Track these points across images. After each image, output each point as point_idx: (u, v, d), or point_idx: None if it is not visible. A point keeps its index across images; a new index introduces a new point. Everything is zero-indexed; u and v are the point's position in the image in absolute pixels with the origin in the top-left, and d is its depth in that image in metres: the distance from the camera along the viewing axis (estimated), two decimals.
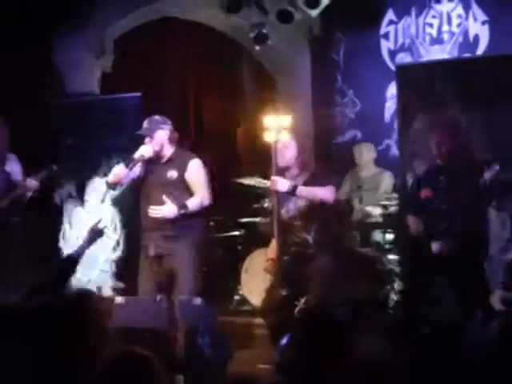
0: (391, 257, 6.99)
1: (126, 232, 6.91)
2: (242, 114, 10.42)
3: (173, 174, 5.85)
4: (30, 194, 6.46)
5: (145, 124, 5.92)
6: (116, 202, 7.04)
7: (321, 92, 9.08)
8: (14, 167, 6.61)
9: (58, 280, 4.44)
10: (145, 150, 5.84)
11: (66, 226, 7.04)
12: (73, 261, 4.64)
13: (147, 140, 5.86)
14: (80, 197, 7.29)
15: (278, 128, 9.31)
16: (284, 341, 3.31)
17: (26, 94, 7.85)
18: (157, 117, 5.95)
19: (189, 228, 5.83)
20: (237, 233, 8.51)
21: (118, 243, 6.85)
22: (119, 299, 5.31)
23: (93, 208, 6.92)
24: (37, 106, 7.85)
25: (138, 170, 5.94)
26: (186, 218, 5.80)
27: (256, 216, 8.02)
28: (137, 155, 5.84)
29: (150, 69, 9.27)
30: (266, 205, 7.93)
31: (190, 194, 5.90)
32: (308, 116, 9.13)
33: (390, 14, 8.50)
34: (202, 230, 6.00)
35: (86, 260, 5.29)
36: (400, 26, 8.45)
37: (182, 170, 5.86)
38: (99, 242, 5.31)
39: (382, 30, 8.56)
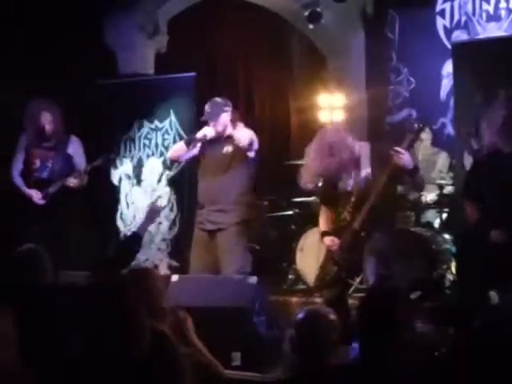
0: (447, 236, 6.93)
1: (181, 211, 6.97)
2: (294, 94, 10.39)
3: (228, 148, 5.92)
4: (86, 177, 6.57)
5: (207, 108, 5.97)
6: (172, 182, 7.11)
7: (375, 71, 9.02)
8: (76, 150, 6.72)
9: (124, 258, 4.50)
10: (207, 131, 5.91)
11: (122, 205, 7.13)
12: (137, 238, 4.69)
13: (211, 123, 5.92)
14: (136, 177, 7.38)
15: (330, 107, 9.37)
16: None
17: (79, 75, 7.93)
18: (218, 99, 6.00)
19: (240, 203, 5.90)
20: (290, 212, 8.52)
21: (174, 222, 6.92)
22: (175, 277, 5.37)
23: (149, 188, 6.99)
24: (90, 88, 7.93)
25: (197, 149, 6.01)
26: (238, 193, 5.88)
27: (309, 195, 8.02)
28: (199, 135, 5.91)
29: (202, 48, 9.29)
30: (319, 184, 7.93)
31: (248, 167, 5.99)
32: (361, 95, 9.09)
33: None
34: (254, 205, 6.05)
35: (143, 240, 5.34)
36: (456, 2, 8.32)
37: (237, 144, 5.93)
38: (157, 220, 5.37)
39: (438, 7, 8.45)
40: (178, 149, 6.09)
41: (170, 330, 3.28)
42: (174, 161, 6.25)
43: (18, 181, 6.65)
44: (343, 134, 5.56)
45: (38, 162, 6.62)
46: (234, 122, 6.02)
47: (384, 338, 2.97)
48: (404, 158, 5.19)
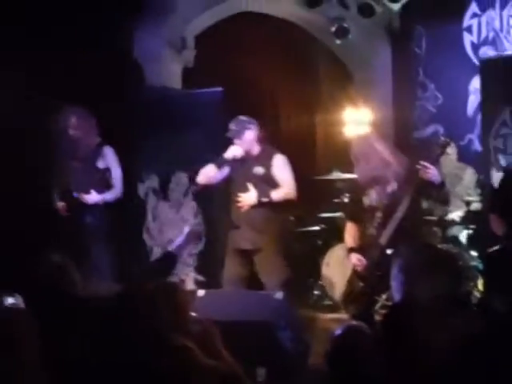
0: (473, 253, 6.89)
1: (208, 226, 6.98)
2: (320, 109, 10.39)
3: (259, 169, 6.01)
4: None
5: (232, 126, 6.05)
6: (198, 196, 7.12)
7: (401, 86, 9.01)
8: (110, 162, 6.62)
9: (157, 276, 4.50)
10: (235, 151, 5.99)
11: (149, 219, 7.15)
12: (173, 259, 4.68)
13: (236, 141, 5.96)
14: (163, 191, 7.40)
15: (356, 122, 9.35)
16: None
17: (109, 89, 7.98)
18: (243, 117, 6.08)
19: (274, 222, 5.94)
20: (317, 228, 8.51)
21: (200, 238, 6.93)
22: (201, 292, 5.37)
23: (176, 202, 7.01)
24: (118, 102, 7.98)
25: (226, 169, 6.06)
26: (271, 213, 5.92)
27: (336, 211, 8.01)
28: (227, 156, 5.98)
29: (229, 63, 9.33)
30: (345, 200, 7.92)
31: (278, 188, 6.06)
32: (387, 110, 9.08)
33: (474, 7, 8.35)
34: (286, 225, 6.12)
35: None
36: (483, 18, 8.29)
37: (268, 165, 6.05)
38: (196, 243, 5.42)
39: (465, 23, 8.41)
40: (209, 172, 6.14)
41: (196, 342, 3.29)
42: (205, 185, 6.25)
43: (53, 192, 6.66)
44: (379, 144, 5.57)
45: (68, 174, 6.62)
46: (259, 140, 6.08)
47: (408, 355, 2.96)
48: (431, 172, 5.18)
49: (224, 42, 9.15)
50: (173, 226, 7.56)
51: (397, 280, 5.29)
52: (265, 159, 6.06)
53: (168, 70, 8.70)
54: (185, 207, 7.18)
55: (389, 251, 5.40)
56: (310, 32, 9.60)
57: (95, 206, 6.48)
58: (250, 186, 5.97)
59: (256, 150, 6.09)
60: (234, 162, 6.05)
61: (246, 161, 6.07)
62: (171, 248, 4.85)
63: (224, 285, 6.05)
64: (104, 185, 6.52)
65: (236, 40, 9.39)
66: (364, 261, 5.46)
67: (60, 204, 6.55)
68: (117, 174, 6.61)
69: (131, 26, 8.41)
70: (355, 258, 5.51)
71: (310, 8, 8.16)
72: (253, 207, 6.03)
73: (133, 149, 7.89)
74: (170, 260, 4.69)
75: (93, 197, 6.40)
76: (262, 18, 9.36)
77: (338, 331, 3.21)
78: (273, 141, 9.74)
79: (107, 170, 6.58)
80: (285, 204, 6.11)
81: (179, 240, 4.85)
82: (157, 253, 7.57)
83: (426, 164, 5.22)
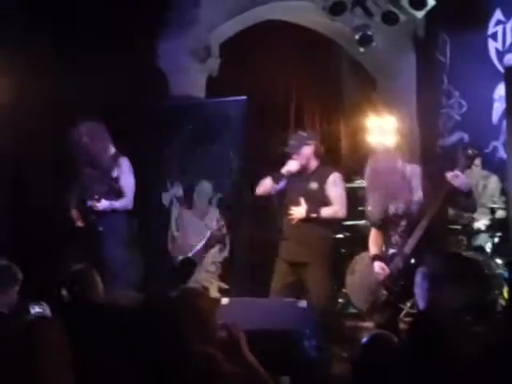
0: (499, 261, 6.85)
1: (233, 234, 7.00)
2: (344, 118, 10.38)
3: (313, 185, 6.15)
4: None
5: (291, 141, 6.20)
6: (223, 205, 7.14)
7: (426, 94, 8.98)
8: (122, 172, 6.63)
9: (178, 281, 4.53)
10: (292, 166, 6.15)
11: (173, 227, 7.18)
12: (193, 264, 4.71)
13: (295, 156, 6.03)
14: (187, 199, 7.42)
15: (380, 131, 9.33)
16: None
17: (132, 98, 8.03)
18: (303, 133, 6.28)
19: (321, 239, 6.00)
20: (341, 236, 8.49)
21: (224, 245, 6.95)
22: (225, 300, 5.38)
23: (200, 210, 7.03)
24: (143, 111, 8.02)
25: (283, 183, 6.20)
26: (320, 229, 6.08)
27: (360, 219, 7.99)
28: (284, 170, 6.14)
29: (253, 72, 9.35)
30: (369, 208, 7.90)
31: (329, 205, 6.17)
32: (411, 118, 9.05)
33: (498, 14, 8.33)
34: (332, 242, 6.18)
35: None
36: (508, 25, 8.26)
37: (322, 182, 6.17)
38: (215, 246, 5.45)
39: (490, 30, 8.39)
40: (266, 185, 6.26)
41: (221, 349, 3.29)
42: (263, 196, 6.42)
43: (70, 202, 6.72)
44: (393, 157, 5.57)
45: (84, 184, 6.65)
46: (317, 155, 6.15)
47: (433, 364, 2.95)
48: (460, 180, 5.17)
49: (248, 50, 9.17)
50: (196, 234, 7.59)
51: (421, 288, 5.30)
52: (321, 175, 6.18)
53: (193, 79, 8.73)
54: (209, 216, 7.20)
55: (413, 260, 5.39)
56: (334, 40, 9.60)
57: (110, 213, 6.51)
58: (302, 201, 6.07)
59: (313, 165, 6.19)
60: (291, 176, 6.16)
61: (302, 176, 6.15)
62: (191, 253, 4.88)
63: (270, 293, 6.16)
64: (115, 193, 6.53)
65: (260, 48, 9.41)
66: (387, 269, 5.46)
67: (74, 213, 6.58)
68: (128, 182, 6.60)
69: (155, 38, 8.46)
70: (378, 266, 5.51)
71: (334, 16, 8.14)
72: (302, 221, 6.13)
73: (158, 158, 7.93)
74: (189, 265, 4.71)
75: (102, 204, 6.44)
76: (285, 27, 9.37)
77: (365, 339, 3.20)
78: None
79: (119, 178, 6.59)
80: (333, 221, 6.23)
81: (200, 245, 4.88)
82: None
83: (456, 171, 5.21)
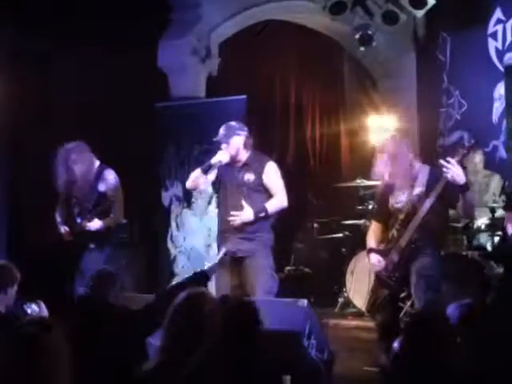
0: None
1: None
2: (345, 117, 10.38)
3: (249, 177, 5.95)
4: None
5: (221, 130, 6.02)
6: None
7: (426, 93, 8.99)
8: (108, 186, 6.54)
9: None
10: (221, 156, 5.94)
11: (173, 227, 7.17)
12: (205, 278, 4.67)
13: (223, 146, 5.95)
14: (187, 199, 7.43)
15: (380, 129, 9.34)
16: (395, 344, 3.29)
17: (133, 98, 8.04)
18: (233, 123, 6.05)
19: (264, 229, 5.91)
20: (341, 235, 8.50)
21: None
22: None
23: (199, 210, 7.03)
24: (142, 110, 8.03)
25: (213, 175, 6.04)
26: (261, 220, 5.90)
27: (360, 218, 8.00)
28: (213, 160, 5.94)
29: (253, 71, 9.35)
30: (370, 207, 7.91)
31: (268, 196, 5.98)
32: (412, 117, 9.06)
33: (498, 13, 8.32)
34: (272, 231, 6.05)
35: (194, 262, 5.37)
36: (508, 24, 8.25)
37: (258, 173, 5.96)
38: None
39: (490, 30, 8.39)
40: (196, 177, 6.07)
41: None
42: (193, 189, 6.34)
43: (57, 219, 6.68)
44: (401, 144, 5.58)
45: (71, 200, 6.61)
46: (247, 146, 6.02)
47: (430, 364, 2.95)
48: (455, 170, 5.13)
49: (248, 50, 9.18)
50: (196, 234, 7.60)
51: (418, 287, 5.31)
52: (256, 166, 5.98)
53: (193, 78, 8.73)
54: (208, 216, 7.19)
55: (407, 253, 5.40)
56: (334, 39, 9.61)
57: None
58: (244, 203, 5.84)
59: (244, 156, 6.01)
60: (222, 168, 6.02)
61: (234, 167, 6.05)
62: (206, 267, 4.86)
63: (215, 293, 5.83)
64: (105, 209, 6.44)
65: (260, 48, 9.41)
66: (383, 262, 5.46)
67: (63, 229, 6.55)
68: (116, 198, 6.53)
69: (155, 37, 8.46)
70: (374, 258, 5.52)
71: (334, 16, 8.14)
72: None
73: (157, 157, 7.94)
74: (201, 279, 4.65)
75: (95, 224, 6.39)
76: (286, 26, 9.38)
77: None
78: (296, 148, 9.85)
79: (107, 193, 6.51)
80: (277, 213, 6.06)
81: (215, 260, 4.90)
82: (181, 260, 7.62)
83: (449, 159, 5.17)
